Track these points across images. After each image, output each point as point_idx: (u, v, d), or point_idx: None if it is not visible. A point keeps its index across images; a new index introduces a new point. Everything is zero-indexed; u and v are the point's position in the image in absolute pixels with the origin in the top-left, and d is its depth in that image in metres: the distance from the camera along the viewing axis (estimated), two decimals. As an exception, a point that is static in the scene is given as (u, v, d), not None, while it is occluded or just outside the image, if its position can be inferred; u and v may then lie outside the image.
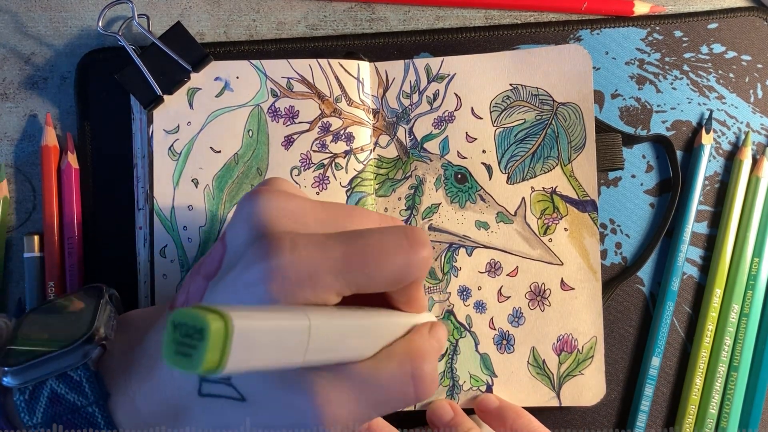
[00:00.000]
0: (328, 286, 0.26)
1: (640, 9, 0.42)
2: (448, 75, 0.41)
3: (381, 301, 0.30)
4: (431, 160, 0.40)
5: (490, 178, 0.40)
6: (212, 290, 0.29)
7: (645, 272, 0.42)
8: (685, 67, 0.42)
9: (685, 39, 0.42)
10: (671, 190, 0.41)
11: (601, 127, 0.41)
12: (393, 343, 0.29)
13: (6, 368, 0.30)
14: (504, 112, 0.40)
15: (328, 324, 0.24)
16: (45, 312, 0.35)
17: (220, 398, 0.28)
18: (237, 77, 0.39)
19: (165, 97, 0.39)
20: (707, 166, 0.42)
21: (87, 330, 0.31)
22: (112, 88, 0.40)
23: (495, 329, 0.40)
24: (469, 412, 0.39)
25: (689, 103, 0.42)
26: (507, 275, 0.40)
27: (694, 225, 0.41)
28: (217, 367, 0.19)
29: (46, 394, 0.30)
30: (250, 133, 0.39)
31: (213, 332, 0.19)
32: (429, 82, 0.41)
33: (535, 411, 0.39)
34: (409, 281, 0.28)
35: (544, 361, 0.40)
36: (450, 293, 0.40)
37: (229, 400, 0.28)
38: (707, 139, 0.41)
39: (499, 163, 0.40)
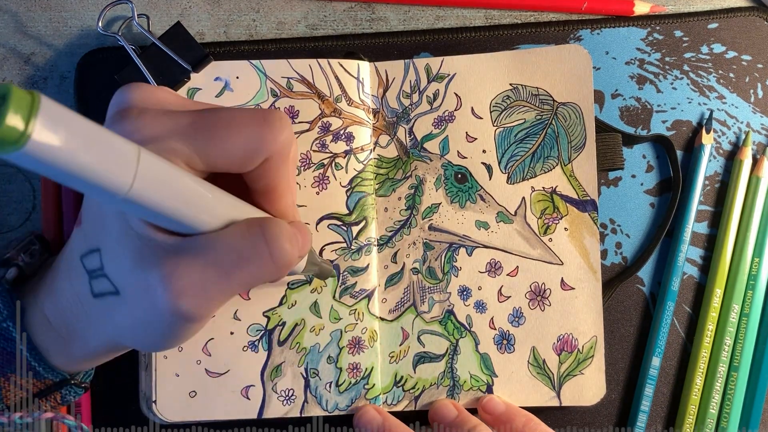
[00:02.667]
0: (173, 149, 0.27)
1: (641, 9, 0.42)
2: (448, 75, 0.40)
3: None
4: (431, 160, 0.40)
5: (490, 178, 0.40)
6: None
7: (645, 272, 0.42)
8: (686, 67, 0.42)
9: (685, 39, 0.42)
10: (671, 190, 0.41)
11: (602, 127, 0.41)
12: None
13: None
14: (504, 112, 0.40)
15: (162, 166, 0.25)
16: None
17: (108, 297, 0.29)
18: (237, 77, 0.39)
19: (165, 97, 0.39)
20: (707, 166, 0.42)
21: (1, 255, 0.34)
22: (112, 88, 0.39)
23: (495, 329, 0.40)
24: (469, 411, 0.39)
25: (689, 102, 0.42)
26: (507, 275, 0.40)
27: (694, 225, 0.41)
28: (21, 135, 0.20)
29: None
30: (250, 133, 0.39)
31: (15, 96, 0.20)
32: (429, 82, 0.41)
33: (535, 411, 0.39)
34: (261, 157, 0.29)
35: (544, 361, 0.40)
36: (450, 293, 0.40)
37: (115, 299, 0.29)
38: (707, 139, 0.41)
39: (499, 163, 0.40)
